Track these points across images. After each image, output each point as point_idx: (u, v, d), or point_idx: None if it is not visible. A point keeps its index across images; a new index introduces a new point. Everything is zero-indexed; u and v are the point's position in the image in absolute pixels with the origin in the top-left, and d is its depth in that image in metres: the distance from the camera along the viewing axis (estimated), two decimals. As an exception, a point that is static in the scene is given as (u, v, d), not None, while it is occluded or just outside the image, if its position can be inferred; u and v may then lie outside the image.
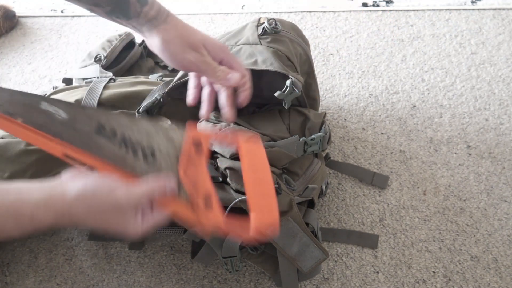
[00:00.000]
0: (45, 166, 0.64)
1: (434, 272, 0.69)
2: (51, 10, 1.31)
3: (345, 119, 0.92)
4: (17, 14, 1.29)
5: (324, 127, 0.70)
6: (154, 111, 0.72)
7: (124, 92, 0.75)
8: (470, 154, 0.84)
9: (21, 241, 0.81)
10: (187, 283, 0.72)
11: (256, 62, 0.67)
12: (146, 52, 0.96)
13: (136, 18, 0.53)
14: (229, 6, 1.26)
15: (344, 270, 0.71)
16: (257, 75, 0.62)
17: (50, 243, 0.80)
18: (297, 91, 0.64)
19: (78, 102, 0.72)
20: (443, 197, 0.78)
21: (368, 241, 0.73)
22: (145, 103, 0.71)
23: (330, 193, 0.80)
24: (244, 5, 1.26)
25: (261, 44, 0.70)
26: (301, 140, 0.65)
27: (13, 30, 1.27)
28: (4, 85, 1.11)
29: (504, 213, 0.75)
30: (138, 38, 0.96)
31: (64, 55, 1.17)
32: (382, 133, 0.89)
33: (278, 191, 0.58)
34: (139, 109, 0.71)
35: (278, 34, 0.72)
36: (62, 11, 1.30)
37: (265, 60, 0.67)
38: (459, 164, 0.82)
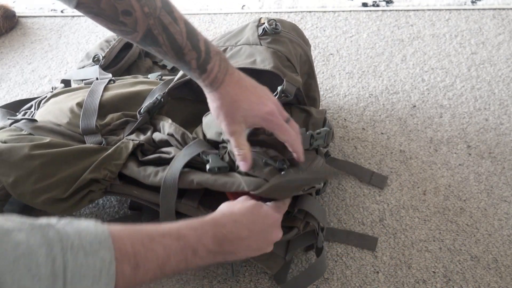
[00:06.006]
0: (49, 170, 0.63)
1: (434, 272, 0.69)
2: (51, 10, 1.31)
3: (345, 119, 0.92)
4: (17, 14, 1.29)
5: (327, 122, 0.70)
6: (155, 112, 0.72)
7: (124, 93, 0.75)
8: (470, 154, 0.84)
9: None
10: (187, 283, 0.72)
11: (254, 62, 0.67)
12: (144, 51, 0.95)
13: (196, 79, 0.58)
14: (229, 6, 1.26)
15: (344, 270, 0.71)
16: (256, 76, 0.62)
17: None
18: (289, 96, 0.66)
19: (79, 105, 0.72)
20: (443, 197, 0.78)
21: (367, 242, 0.73)
22: (146, 103, 0.71)
23: (330, 193, 0.80)
24: (244, 5, 1.26)
25: (261, 45, 0.70)
26: (308, 133, 0.65)
27: (13, 30, 1.27)
28: (4, 85, 1.11)
29: (504, 213, 0.75)
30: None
31: (64, 55, 1.17)
32: (382, 133, 0.88)
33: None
34: (140, 109, 0.71)
35: (278, 35, 0.72)
36: (62, 11, 1.30)
37: (263, 60, 0.67)
38: (459, 164, 0.82)
